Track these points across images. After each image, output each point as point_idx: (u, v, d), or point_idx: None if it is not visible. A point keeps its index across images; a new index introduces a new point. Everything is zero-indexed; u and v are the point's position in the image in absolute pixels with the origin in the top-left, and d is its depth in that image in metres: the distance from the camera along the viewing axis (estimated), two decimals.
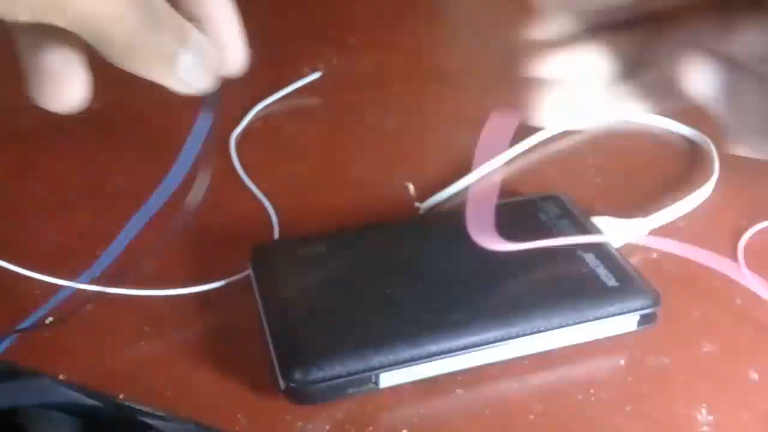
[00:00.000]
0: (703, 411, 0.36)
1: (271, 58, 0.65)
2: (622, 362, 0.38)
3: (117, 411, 0.27)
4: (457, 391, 0.36)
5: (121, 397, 0.28)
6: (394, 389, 0.36)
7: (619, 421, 0.35)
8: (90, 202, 0.48)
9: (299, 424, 0.35)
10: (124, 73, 0.27)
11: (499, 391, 0.37)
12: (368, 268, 0.40)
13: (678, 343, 0.39)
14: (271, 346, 0.36)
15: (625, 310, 0.37)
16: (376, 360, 0.35)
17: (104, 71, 0.27)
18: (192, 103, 0.30)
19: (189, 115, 0.32)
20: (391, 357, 0.35)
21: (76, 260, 0.39)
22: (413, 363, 0.35)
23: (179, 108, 0.32)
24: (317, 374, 0.34)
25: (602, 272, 0.39)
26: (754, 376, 0.37)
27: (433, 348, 0.35)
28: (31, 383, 0.28)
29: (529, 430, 0.35)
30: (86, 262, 0.38)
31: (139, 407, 0.28)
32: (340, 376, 0.34)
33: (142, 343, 0.39)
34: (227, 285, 0.41)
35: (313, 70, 0.62)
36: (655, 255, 0.44)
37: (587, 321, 0.37)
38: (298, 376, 0.34)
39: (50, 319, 0.40)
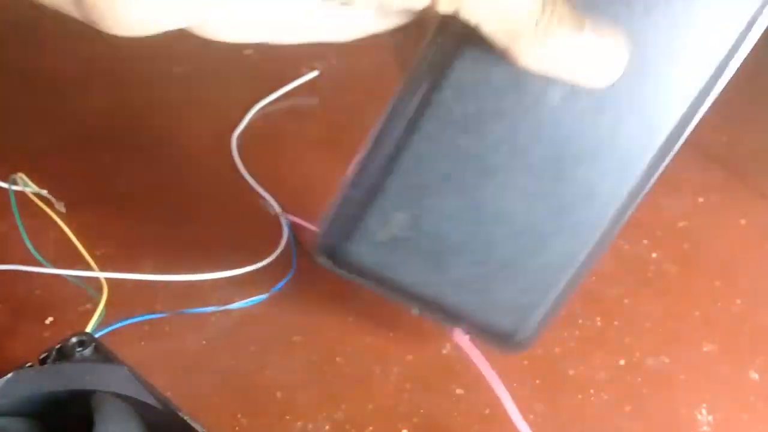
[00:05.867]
0: (703, 411, 0.36)
1: (271, 56, 0.65)
2: (622, 362, 0.38)
3: (175, 420, 0.28)
4: (457, 391, 0.37)
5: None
6: (394, 389, 0.36)
7: (619, 421, 0.35)
8: (90, 202, 0.48)
9: (299, 424, 0.35)
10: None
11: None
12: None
13: (678, 343, 0.39)
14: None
15: None
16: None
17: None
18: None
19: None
20: None
21: (76, 262, 0.39)
22: None
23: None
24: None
25: None
26: (754, 376, 0.37)
27: None
28: (107, 370, 0.29)
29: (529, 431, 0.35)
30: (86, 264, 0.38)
31: (193, 423, 0.28)
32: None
33: (142, 343, 0.39)
34: (227, 283, 0.41)
35: (311, 69, 0.62)
36: (654, 255, 0.44)
37: None
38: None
39: (50, 319, 0.40)
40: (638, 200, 0.29)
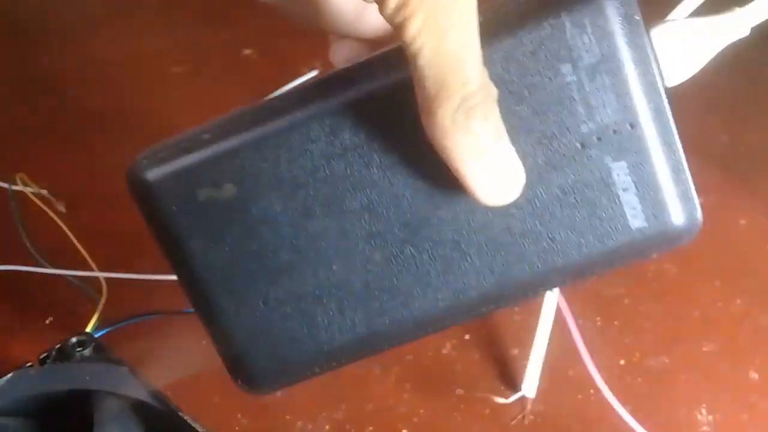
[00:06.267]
0: (703, 411, 0.36)
1: (271, 56, 0.65)
2: (622, 362, 0.38)
3: (175, 420, 0.28)
4: (457, 391, 0.37)
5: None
6: (394, 389, 0.36)
7: (619, 421, 0.35)
8: (91, 203, 0.48)
9: (299, 423, 0.35)
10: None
11: (500, 391, 0.37)
12: None
13: (678, 343, 0.39)
14: None
15: None
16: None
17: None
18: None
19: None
20: None
21: (76, 262, 0.39)
22: None
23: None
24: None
25: None
26: (754, 376, 0.37)
27: None
28: (107, 370, 0.29)
29: (529, 430, 0.35)
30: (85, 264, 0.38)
31: (193, 423, 0.28)
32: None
33: (142, 343, 0.38)
34: None
35: (311, 69, 0.62)
36: (654, 255, 0.44)
37: None
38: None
39: (50, 319, 0.40)
40: (439, 328, 0.27)
